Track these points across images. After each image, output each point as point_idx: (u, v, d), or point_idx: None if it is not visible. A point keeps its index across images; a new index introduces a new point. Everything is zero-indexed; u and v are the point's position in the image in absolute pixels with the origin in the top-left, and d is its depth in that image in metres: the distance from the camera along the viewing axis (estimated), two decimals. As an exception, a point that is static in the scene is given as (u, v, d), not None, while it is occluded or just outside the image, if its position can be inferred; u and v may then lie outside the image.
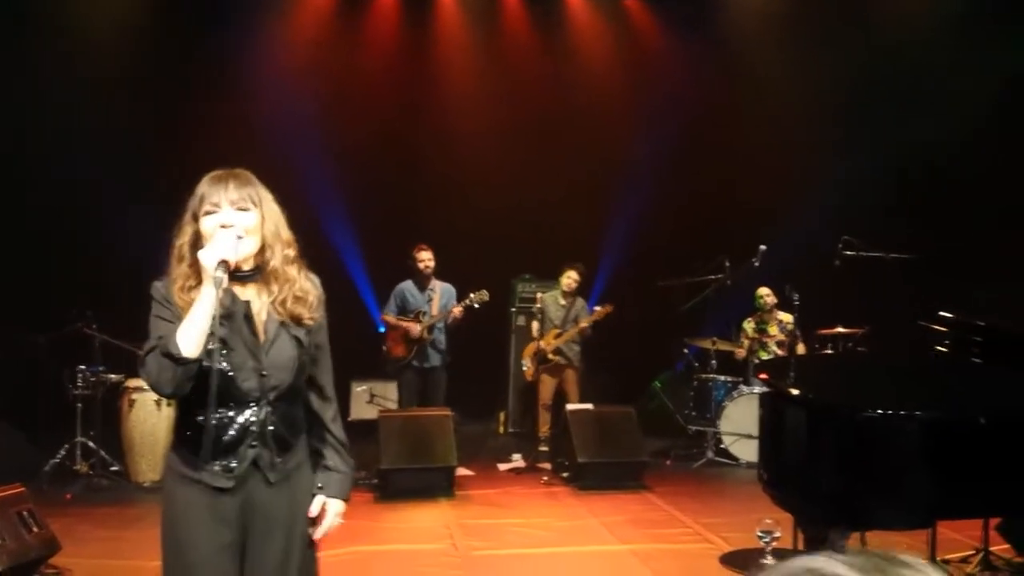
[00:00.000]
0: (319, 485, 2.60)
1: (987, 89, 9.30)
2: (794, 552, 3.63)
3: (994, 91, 9.26)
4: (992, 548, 4.78)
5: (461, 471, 7.41)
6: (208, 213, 2.41)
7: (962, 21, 9.38)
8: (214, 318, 2.28)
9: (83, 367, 7.13)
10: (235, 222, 2.39)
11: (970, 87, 9.32)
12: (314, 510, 2.58)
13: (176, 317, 2.36)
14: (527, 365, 8.61)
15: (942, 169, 9.28)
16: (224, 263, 2.30)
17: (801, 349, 8.32)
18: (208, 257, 2.30)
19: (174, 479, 2.46)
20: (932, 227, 8.85)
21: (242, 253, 2.39)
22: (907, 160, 9.29)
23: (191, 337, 2.28)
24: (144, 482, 7.06)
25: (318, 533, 2.60)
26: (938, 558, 4.65)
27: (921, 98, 9.32)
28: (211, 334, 2.29)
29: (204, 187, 2.44)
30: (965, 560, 4.86)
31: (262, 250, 2.47)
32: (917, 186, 9.42)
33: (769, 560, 3.29)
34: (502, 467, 8.18)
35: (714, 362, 8.57)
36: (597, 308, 8.32)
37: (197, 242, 2.41)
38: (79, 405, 7.09)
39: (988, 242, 8.58)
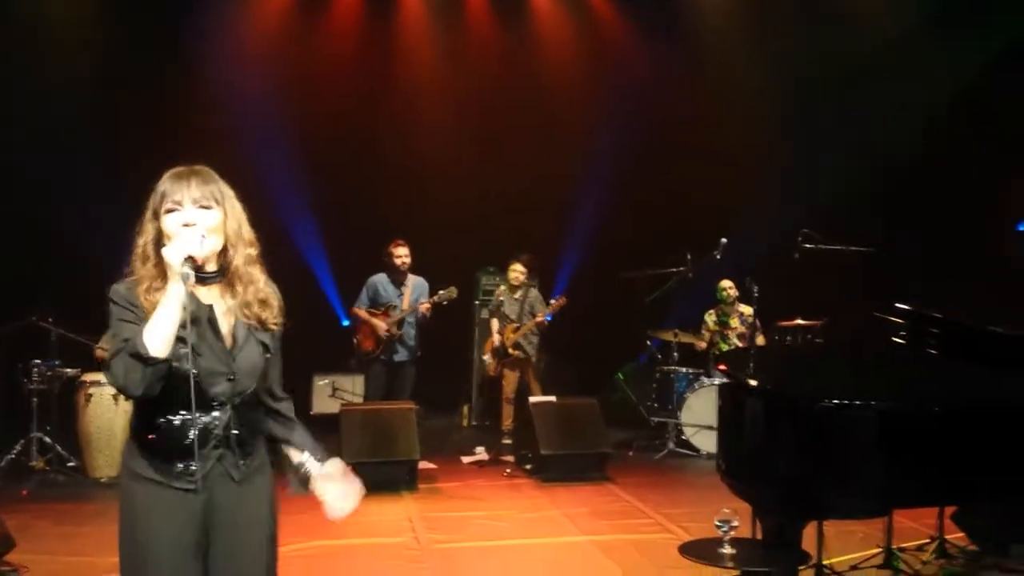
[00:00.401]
0: (318, 457, 2.61)
1: (949, 88, 9.46)
2: (751, 541, 3.67)
3: (957, 89, 9.42)
4: (947, 536, 4.86)
5: (424, 464, 7.39)
6: (170, 211, 2.37)
7: (926, 21, 9.51)
8: (183, 317, 2.25)
9: (38, 361, 7.03)
10: (198, 220, 2.36)
11: (932, 86, 9.46)
12: (339, 471, 2.61)
13: (141, 319, 2.31)
14: (488, 360, 8.62)
15: (903, 165, 9.42)
16: (191, 259, 2.27)
17: (761, 341, 8.41)
18: (173, 254, 2.26)
19: (134, 479, 2.42)
20: (894, 222, 8.99)
21: (206, 250, 2.36)
22: (868, 156, 9.40)
23: (160, 336, 2.24)
24: (101, 478, 6.96)
25: (356, 495, 2.61)
26: (894, 546, 4.72)
27: (884, 96, 9.44)
28: (179, 336, 2.26)
29: (165, 184, 2.40)
30: (921, 548, 4.94)
31: (224, 250, 2.45)
32: (878, 181, 9.56)
33: (727, 549, 3.31)
34: (466, 460, 8.18)
35: (676, 354, 8.62)
36: (552, 301, 8.33)
37: (160, 240, 2.38)
38: (35, 400, 6.99)
39: (949, 237, 8.72)
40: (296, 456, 2.63)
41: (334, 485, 2.59)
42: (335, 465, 2.63)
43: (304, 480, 2.61)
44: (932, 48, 9.34)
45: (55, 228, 8.24)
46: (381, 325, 7.74)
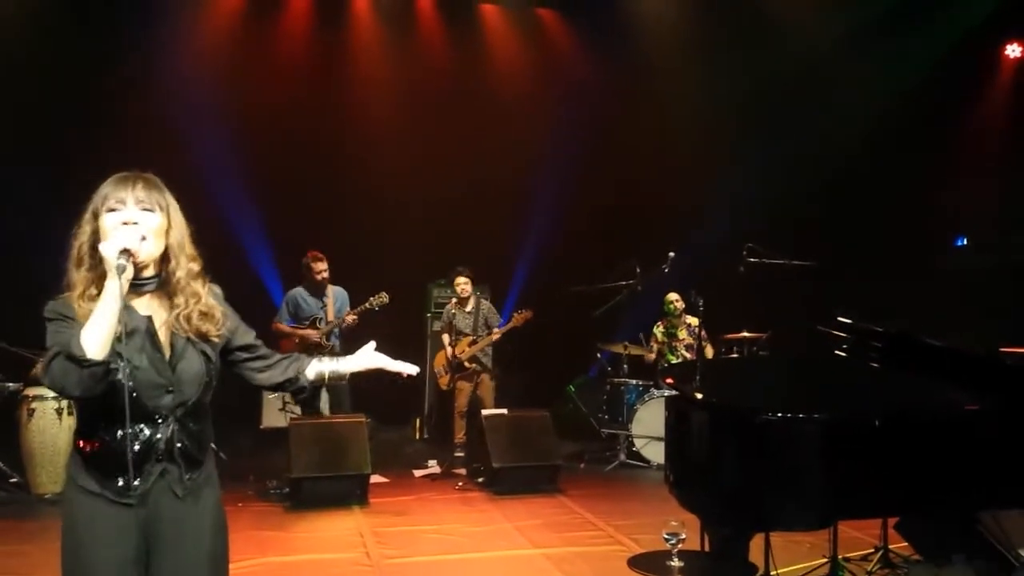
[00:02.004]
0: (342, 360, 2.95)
1: (886, 99, 9.68)
2: (699, 554, 3.71)
3: (894, 101, 9.65)
4: (891, 546, 4.95)
5: (375, 478, 7.35)
6: (111, 210, 2.34)
7: (861, 34, 9.74)
8: (120, 323, 2.20)
9: (-23, 375, 6.88)
10: (139, 221, 2.34)
11: (870, 99, 9.67)
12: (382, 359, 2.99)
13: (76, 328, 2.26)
14: (441, 374, 8.59)
15: (845, 178, 9.61)
16: (127, 252, 2.22)
17: (710, 352, 8.51)
18: (109, 247, 2.22)
19: (77, 492, 2.40)
20: (837, 234, 9.16)
21: (144, 252, 2.33)
22: (812, 168, 9.58)
23: (97, 336, 2.18)
24: (45, 494, 6.81)
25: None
26: (839, 556, 4.79)
27: (827, 108, 9.64)
28: (116, 349, 2.22)
29: (109, 186, 2.38)
30: (866, 558, 5.02)
31: (165, 259, 2.42)
32: (822, 193, 9.74)
33: (675, 562, 3.35)
34: (418, 473, 8.15)
35: (626, 366, 8.69)
36: (515, 314, 8.33)
37: (96, 242, 2.33)
38: (-26, 415, 6.84)
39: (886, 246, 8.91)
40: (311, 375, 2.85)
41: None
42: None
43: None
44: (872, 59, 9.57)
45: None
46: (312, 334, 7.63)
